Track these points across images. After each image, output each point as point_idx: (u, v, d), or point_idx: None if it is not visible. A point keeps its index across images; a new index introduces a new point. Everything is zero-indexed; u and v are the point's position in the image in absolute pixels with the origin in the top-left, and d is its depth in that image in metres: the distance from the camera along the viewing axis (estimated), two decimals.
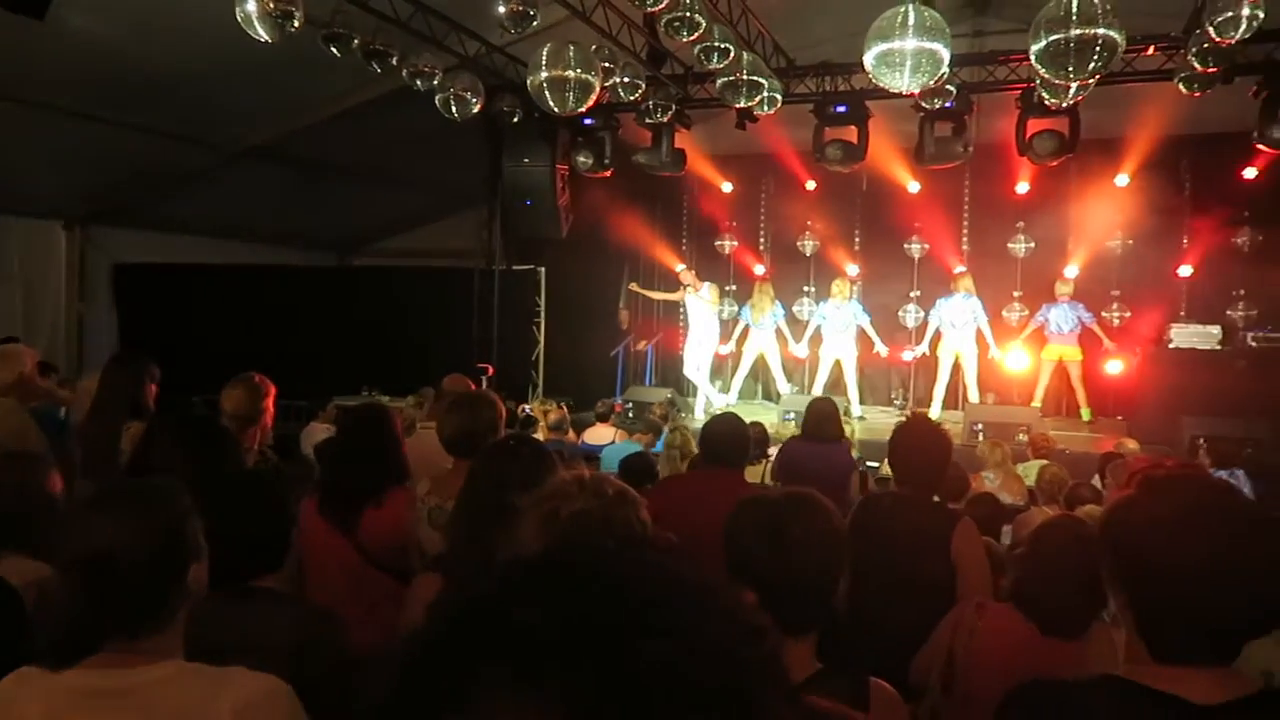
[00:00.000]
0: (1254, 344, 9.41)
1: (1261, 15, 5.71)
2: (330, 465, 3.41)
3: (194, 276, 11.31)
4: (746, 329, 10.54)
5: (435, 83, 7.62)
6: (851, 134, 9.01)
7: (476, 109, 7.90)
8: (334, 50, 6.88)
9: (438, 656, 0.51)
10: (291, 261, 12.81)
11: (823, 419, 4.65)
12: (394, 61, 7.30)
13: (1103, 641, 2.19)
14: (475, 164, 10.32)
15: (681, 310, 11.03)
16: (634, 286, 11.17)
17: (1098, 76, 5.71)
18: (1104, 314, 10.31)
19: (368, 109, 9.10)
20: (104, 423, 3.89)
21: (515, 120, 9.09)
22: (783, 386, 10.61)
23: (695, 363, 10.46)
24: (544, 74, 6.28)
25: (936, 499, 3.67)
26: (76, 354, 10.76)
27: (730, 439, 3.40)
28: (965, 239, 11.30)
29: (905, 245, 11.59)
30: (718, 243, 12.26)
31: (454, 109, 7.86)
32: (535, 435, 7.71)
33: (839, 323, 10.04)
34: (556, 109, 6.45)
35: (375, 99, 8.83)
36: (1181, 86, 7.67)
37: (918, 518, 3.19)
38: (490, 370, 4.02)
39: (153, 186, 10.30)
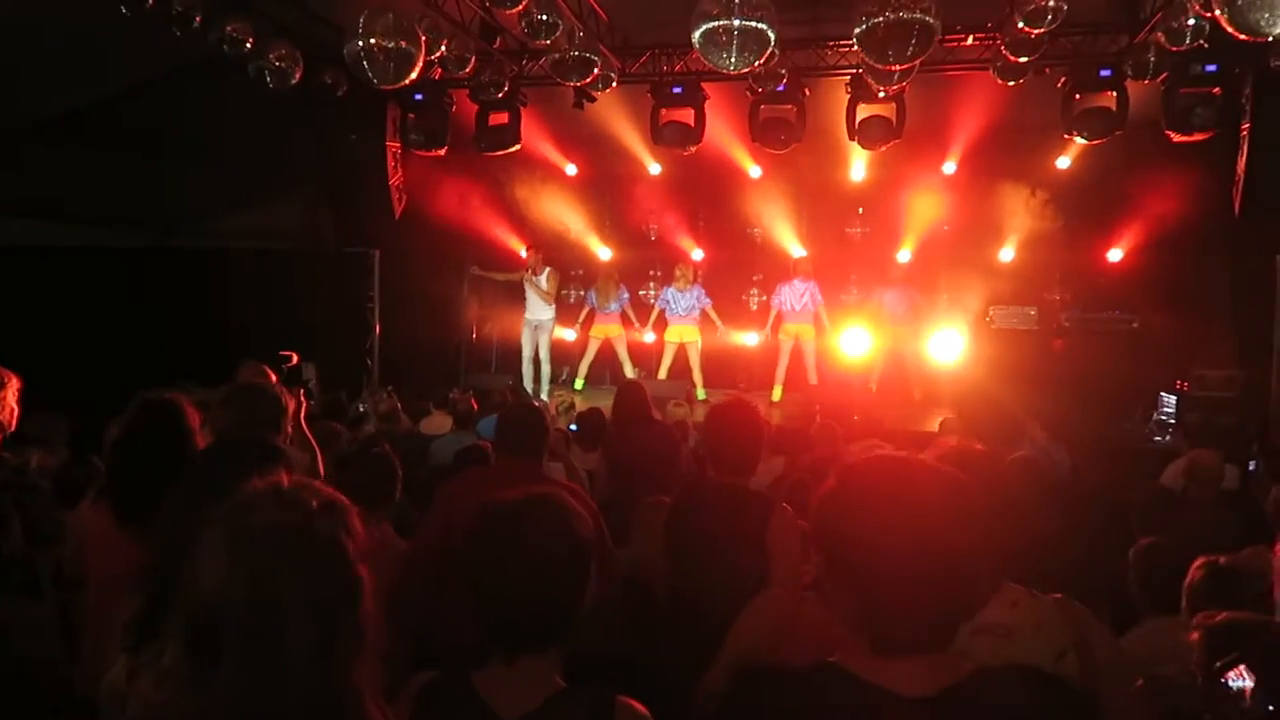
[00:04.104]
0: (1067, 324, 10.01)
1: (1065, 7, 5.96)
2: (118, 464, 2.98)
3: None
4: (592, 313, 10.39)
5: (248, 50, 7.07)
6: (689, 116, 8.96)
7: (295, 80, 7.39)
8: (123, 9, 6.24)
9: None
10: (98, 243, 11.71)
11: (631, 406, 4.51)
12: (197, 24, 6.70)
13: None
14: (301, 141, 9.69)
15: (525, 294, 10.77)
16: (477, 269, 10.81)
17: (918, 61, 5.82)
18: (932, 296, 10.68)
19: (177, 78, 8.35)
20: None
21: (341, 95, 8.57)
22: (629, 371, 10.52)
23: (532, 347, 10.22)
24: (360, 42, 5.90)
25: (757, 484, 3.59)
26: None
27: (526, 426, 3.21)
28: (804, 224, 11.48)
29: (748, 230, 11.68)
30: (562, 226, 12.01)
31: (269, 79, 7.33)
32: (367, 428, 7.30)
33: (683, 307, 10.04)
34: (376, 80, 6.07)
35: (184, 68, 8.12)
36: (997, 76, 7.98)
37: (734, 506, 3.08)
38: (294, 359, 3.61)
39: None
